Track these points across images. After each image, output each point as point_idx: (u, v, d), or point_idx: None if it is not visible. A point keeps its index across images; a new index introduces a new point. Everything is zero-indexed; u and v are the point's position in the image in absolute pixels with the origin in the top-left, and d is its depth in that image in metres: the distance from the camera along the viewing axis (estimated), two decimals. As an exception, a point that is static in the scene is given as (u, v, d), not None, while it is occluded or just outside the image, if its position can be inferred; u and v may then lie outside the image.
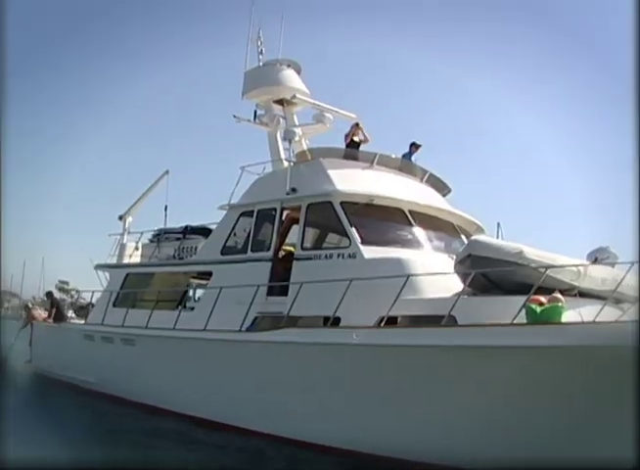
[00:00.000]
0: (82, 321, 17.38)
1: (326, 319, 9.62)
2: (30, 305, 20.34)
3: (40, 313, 18.90)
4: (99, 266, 16.80)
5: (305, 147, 14.00)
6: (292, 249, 11.77)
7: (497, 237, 11.59)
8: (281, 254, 11.93)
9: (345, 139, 13.03)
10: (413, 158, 13.17)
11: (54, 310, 17.74)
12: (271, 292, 11.22)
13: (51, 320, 17.62)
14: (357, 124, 13.24)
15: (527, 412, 7.66)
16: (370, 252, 10.16)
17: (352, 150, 12.57)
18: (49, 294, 19.35)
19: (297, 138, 13.36)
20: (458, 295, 8.38)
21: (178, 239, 14.97)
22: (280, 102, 14.79)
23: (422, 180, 12.57)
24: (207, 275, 12.97)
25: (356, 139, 13.03)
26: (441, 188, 12.93)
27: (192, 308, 13.02)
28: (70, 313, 19.41)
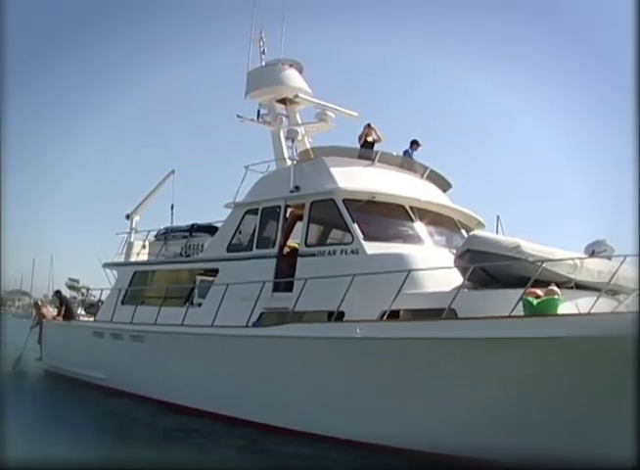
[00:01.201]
0: (92, 319, 17.66)
1: (330, 314, 9.84)
2: (40, 303, 20.58)
3: (50, 311, 19.19)
4: (107, 265, 17.05)
5: (308, 145, 14.22)
6: (296, 245, 11.99)
7: (497, 230, 11.82)
8: (286, 250, 12.14)
9: (359, 140, 13.15)
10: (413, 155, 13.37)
11: (63, 308, 18.03)
12: (277, 288, 11.44)
13: (60, 318, 17.92)
14: (369, 125, 13.32)
15: (527, 403, 7.86)
16: (372, 247, 10.37)
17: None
18: (57, 292, 19.65)
19: (299, 137, 13.54)
20: (458, 289, 8.61)
21: (185, 237, 15.18)
22: (283, 101, 14.99)
23: (422, 176, 12.75)
24: (214, 272, 13.17)
25: (370, 139, 13.16)
26: (442, 184, 13.11)
27: (199, 305, 13.25)
28: (80, 311, 19.68)
